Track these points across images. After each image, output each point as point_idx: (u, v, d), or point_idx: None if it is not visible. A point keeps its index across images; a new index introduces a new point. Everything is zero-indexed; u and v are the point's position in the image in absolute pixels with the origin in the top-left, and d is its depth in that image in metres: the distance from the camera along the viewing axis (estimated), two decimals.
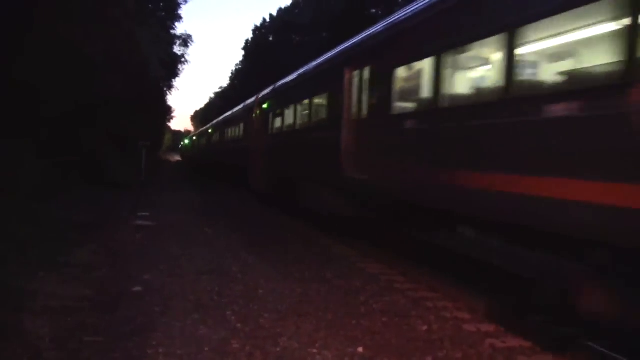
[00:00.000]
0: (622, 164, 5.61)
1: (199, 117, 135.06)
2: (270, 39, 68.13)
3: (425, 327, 7.47)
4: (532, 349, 6.97)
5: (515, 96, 7.40)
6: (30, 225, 11.66)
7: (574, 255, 6.65)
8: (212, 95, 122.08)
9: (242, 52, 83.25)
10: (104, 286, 8.93)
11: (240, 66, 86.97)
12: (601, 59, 6.45)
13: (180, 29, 50.57)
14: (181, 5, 33.43)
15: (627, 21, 5.66)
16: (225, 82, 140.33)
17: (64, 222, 13.46)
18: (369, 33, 13.09)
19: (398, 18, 11.44)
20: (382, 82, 11.30)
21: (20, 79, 13.68)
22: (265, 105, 23.13)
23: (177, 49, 37.21)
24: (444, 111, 9.19)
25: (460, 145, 8.55)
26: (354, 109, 12.85)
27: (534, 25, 7.03)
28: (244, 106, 30.01)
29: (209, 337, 6.76)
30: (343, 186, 13.30)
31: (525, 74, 7.63)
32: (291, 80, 19.97)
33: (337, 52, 15.31)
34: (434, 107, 9.43)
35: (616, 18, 5.89)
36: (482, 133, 8.01)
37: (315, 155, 15.40)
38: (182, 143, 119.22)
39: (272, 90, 22.79)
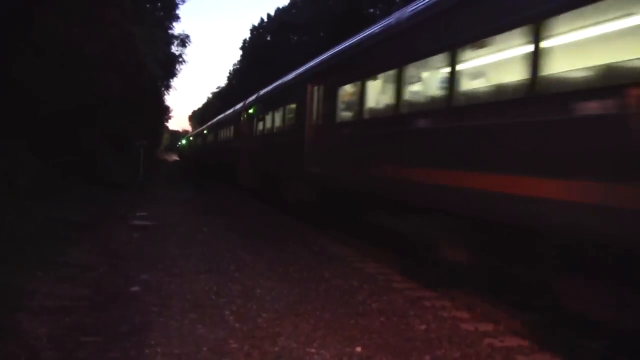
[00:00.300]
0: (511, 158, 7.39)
1: (197, 117, 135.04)
2: (268, 38, 68.11)
3: (423, 327, 7.48)
4: (531, 348, 6.97)
5: (404, 113, 10.56)
6: (28, 225, 11.64)
7: (437, 221, 9.60)
8: (210, 95, 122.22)
9: (240, 52, 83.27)
10: (101, 286, 8.92)
11: (238, 66, 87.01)
12: (490, 80, 8.50)
13: (178, 28, 50.48)
14: (179, 5, 33.43)
15: (530, 48, 7.09)
16: (223, 82, 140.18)
17: (61, 221, 13.44)
18: (323, 58, 16.26)
19: (337, 51, 15.02)
20: (330, 97, 14.43)
21: (18, 78, 13.67)
22: (251, 111, 26.15)
23: (175, 49, 37.27)
24: (366, 121, 12.35)
25: (375, 147, 11.68)
26: (313, 117, 15.70)
27: (415, 63, 10.32)
28: (234, 110, 33.09)
29: (207, 336, 6.76)
30: (306, 179, 16.22)
31: (410, 97, 10.58)
32: (270, 90, 23.25)
33: (303, 69, 18.18)
34: (360, 118, 12.54)
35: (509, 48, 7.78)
36: (386, 138, 11.05)
37: (287, 154, 18.25)
38: (179, 143, 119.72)
39: (256, 97, 25.80)
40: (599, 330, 6.82)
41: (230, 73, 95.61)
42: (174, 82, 46.63)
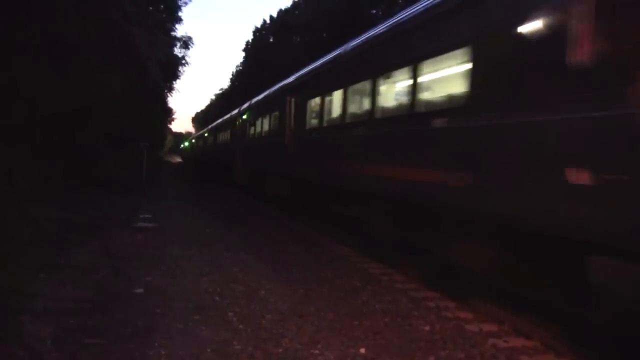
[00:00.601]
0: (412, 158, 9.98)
1: (200, 119, 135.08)
2: (271, 40, 68.12)
3: (427, 327, 7.45)
4: (535, 349, 6.95)
5: (346, 122, 13.57)
6: (30, 226, 11.63)
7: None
8: (213, 97, 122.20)
9: (243, 54, 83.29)
10: (104, 288, 8.90)
11: (240, 67, 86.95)
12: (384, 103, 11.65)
13: (180, 30, 50.58)
14: (181, 7, 33.41)
15: (411, 81, 10.15)
16: (225, 83, 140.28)
17: (64, 223, 13.43)
18: (297, 75, 19.42)
19: (306, 71, 18.20)
20: (302, 107, 17.47)
21: (18, 80, 13.67)
22: (244, 116, 29.43)
23: (178, 51, 37.18)
24: (324, 128, 15.38)
25: (330, 149, 14.68)
26: (291, 123, 18.66)
27: (353, 86, 13.31)
28: (230, 116, 36.81)
29: (211, 338, 6.74)
30: (286, 174, 19.13)
31: (349, 111, 13.61)
32: (259, 99, 26.46)
33: (284, 83, 21.44)
34: (321, 125, 15.66)
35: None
36: (337, 141, 14.10)
37: (273, 155, 21.24)
38: (182, 145, 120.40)
39: (248, 105, 29.09)
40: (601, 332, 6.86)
41: (232, 75, 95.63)
42: (177, 84, 46.77)
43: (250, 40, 78.25)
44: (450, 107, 8.86)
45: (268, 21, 72.42)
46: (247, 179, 27.71)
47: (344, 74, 14.00)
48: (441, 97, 9.35)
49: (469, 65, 8.17)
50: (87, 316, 7.36)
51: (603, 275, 7.83)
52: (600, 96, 5.66)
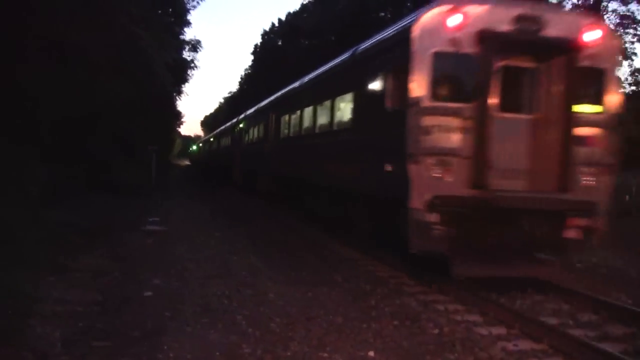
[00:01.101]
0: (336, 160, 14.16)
1: (208, 123, 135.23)
2: (279, 43, 68.11)
3: (436, 331, 7.43)
4: (544, 352, 6.93)
5: (291, 136, 19.46)
6: (40, 230, 11.66)
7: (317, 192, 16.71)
8: (222, 100, 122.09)
9: (251, 57, 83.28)
10: (113, 291, 8.94)
11: (249, 71, 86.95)
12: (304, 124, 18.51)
13: (189, 34, 50.72)
14: (190, 11, 33.47)
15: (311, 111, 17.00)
16: (234, 86, 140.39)
17: (73, 227, 13.47)
18: (277, 95, 24.01)
19: (281, 93, 22.89)
20: (277, 122, 22.41)
21: (27, 85, 13.73)
22: (241, 125, 33.93)
23: (187, 54, 37.24)
24: (284, 139, 20.85)
25: (287, 154, 20.24)
26: (272, 133, 23.33)
27: (296, 111, 18.63)
28: (231, 123, 41.68)
29: (219, 341, 6.75)
30: (269, 173, 24.05)
31: (293, 129, 19.76)
32: (251, 112, 31.15)
33: (269, 100, 25.80)
34: (284, 137, 20.88)
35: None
36: (288, 149, 19.86)
37: (260, 158, 26.13)
38: (190, 149, 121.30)
39: (244, 116, 33.65)
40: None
41: (241, 78, 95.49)
42: (186, 87, 46.81)
43: (259, 43, 78.30)
44: (346, 127, 13.63)
45: (277, 24, 72.42)
46: (243, 179, 32.14)
47: (298, 101, 18.80)
48: (344, 121, 14.06)
49: (338, 109, 14.44)
50: (96, 319, 7.39)
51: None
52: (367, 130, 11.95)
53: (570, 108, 9.73)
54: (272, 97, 24.96)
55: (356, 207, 13.04)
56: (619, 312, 8.51)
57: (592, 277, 11.42)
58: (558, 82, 9.95)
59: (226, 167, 39.85)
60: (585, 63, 9.78)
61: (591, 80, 10.07)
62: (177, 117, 65.84)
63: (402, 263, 11.43)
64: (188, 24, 34.91)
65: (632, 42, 33.12)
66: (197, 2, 32.91)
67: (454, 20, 9.28)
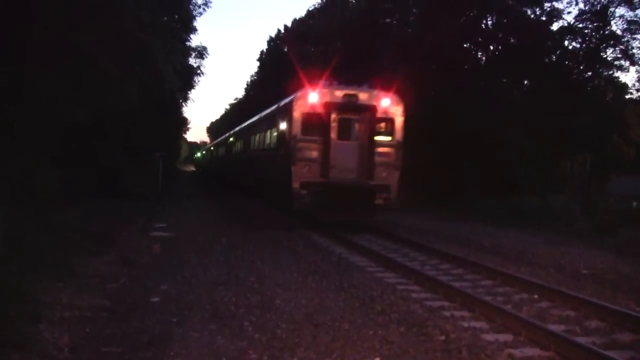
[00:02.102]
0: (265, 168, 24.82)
1: (214, 129, 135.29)
2: (285, 49, 68.14)
3: (442, 337, 7.42)
4: (551, 359, 6.91)
5: (249, 150, 30.65)
6: (49, 235, 11.71)
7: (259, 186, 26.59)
8: (228, 107, 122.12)
9: (257, 63, 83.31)
10: (121, 296, 8.98)
11: (255, 77, 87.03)
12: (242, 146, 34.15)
13: (195, 40, 50.75)
14: (196, 18, 33.50)
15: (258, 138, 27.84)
16: (240, 93, 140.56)
17: (81, 232, 13.53)
18: (241, 126, 38.01)
19: (247, 123, 34.36)
20: (246, 141, 31.78)
21: (37, 91, 13.81)
22: (231, 139, 42.32)
23: (193, 61, 37.20)
24: (246, 151, 31.58)
25: (245, 164, 32.04)
26: (241, 148, 34.53)
27: (251, 136, 30.42)
28: (224, 137, 52.81)
29: (226, 347, 6.78)
30: (245, 177, 31.64)
31: (242, 147, 34.39)
32: (236, 130, 41.23)
33: (243, 125, 37.15)
34: (245, 150, 32.44)
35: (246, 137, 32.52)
36: (247, 158, 31.15)
37: (240, 165, 35.02)
38: (194, 156, 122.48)
39: (233, 132, 43.41)
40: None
41: (247, 84, 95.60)
42: (192, 93, 46.98)
43: (265, 50, 78.37)
44: (265, 147, 24.43)
45: (283, 31, 72.49)
46: (230, 182, 39.90)
47: (248, 131, 31.61)
48: (265, 144, 24.69)
49: (269, 135, 23.72)
50: (104, 324, 7.44)
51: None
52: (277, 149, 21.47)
53: (373, 138, 18.88)
54: (237, 128, 40.78)
55: (274, 188, 21.55)
56: (627, 320, 8.47)
57: (601, 283, 11.40)
58: (367, 125, 19.05)
59: (222, 173, 48.20)
60: (381, 115, 19.00)
61: (385, 124, 19.32)
62: (183, 123, 66.00)
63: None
64: (194, 30, 34.91)
65: None
66: (204, 9, 32.92)
67: (312, 97, 18.47)
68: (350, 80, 21.40)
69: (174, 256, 12.76)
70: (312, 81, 19.93)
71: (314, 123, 18.48)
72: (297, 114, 18.48)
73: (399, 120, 19.06)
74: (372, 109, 18.71)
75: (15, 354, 6.00)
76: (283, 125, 20.23)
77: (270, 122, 23.64)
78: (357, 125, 19.23)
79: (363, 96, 18.80)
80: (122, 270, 10.86)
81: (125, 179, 26.31)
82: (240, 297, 9.09)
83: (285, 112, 20.01)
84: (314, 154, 18.34)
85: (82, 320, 7.52)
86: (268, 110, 25.53)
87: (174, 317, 7.89)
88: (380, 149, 18.72)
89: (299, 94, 18.89)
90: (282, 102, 21.73)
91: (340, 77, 21.51)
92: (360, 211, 18.71)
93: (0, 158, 11.16)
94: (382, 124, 19.23)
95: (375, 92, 19.25)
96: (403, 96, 19.96)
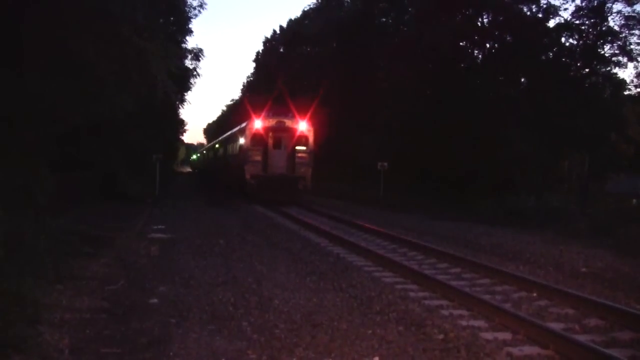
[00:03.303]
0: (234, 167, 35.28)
1: (211, 130, 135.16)
2: (281, 50, 68.17)
3: (441, 336, 7.45)
4: (551, 358, 6.94)
5: (226, 155, 41.89)
6: (47, 239, 11.73)
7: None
8: (224, 108, 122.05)
9: (253, 64, 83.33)
10: (120, 298, 9.00)
11: (251, 78, 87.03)
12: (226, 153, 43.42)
13: (191, 42, 50.77)
14: (191, 20, 33.43)
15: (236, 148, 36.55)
16: (236, 94, 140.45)
17: (80, 235, 13.54)
18: (226, 135, 47.59)
19: (221, 137, 51.16)
20: (226, 147, 42.41)
21: (34, 97, 13.83)
22: (217, 145, 52.32)
23: (189, 63, 37.12)
24: (224, 156, 43.21)
25: (223, 165, 43.14)
26: (219, 155, 47.22)
27: (226, 146, 42.49)
28: (212, 143, 64.18)
29: (225, 347, 6.80)
30: (228, 176, 37.64)
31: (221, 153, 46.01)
32: (221, 138, 49.80)
33: (225, 135, 47.64)
34: (224, 154, 43.10)
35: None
36: (225, 160, 41.55)
37: (223, 168, 41.86)
38: (191, 158, 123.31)
39: (219, 140, 53.23)
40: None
41: (243, 85, 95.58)
42: (189, 95, 47.14)
43: (261, 51, 78.38)
44: (234, 153, 35.45)
45: (278, 31, 72.49)
46: (215, 180, 46.63)
47: (225, 142, 43.51)
48: (233, 151, 36.55)
49: (235, 145, 35.64)
50: (104, 326, 7.46)
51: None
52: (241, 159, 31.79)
53: (295, 147, 29.36)
54: (220, 138, 52.85)
55: (236, 180, 31.78)
56: (627, 318, 8.50)
57: (600, 281, 11.44)
58: (290, 140, 29.59)
59: (212, 174, 54.48)
60: (299, 134, 29.38)
61: (302, 139, 29.51)
62: (180, 125, 65.95)
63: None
64: (190, 32, 34.85)
65: (639, 44, 33.02)
66: (199, 11, 32.85)
67: (257, 123, 29.19)
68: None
69: (172, 258, 12.77)
70: (258, 111, 31.03)
71: (258, 138, 29.49)
72: (248, 132, 29.59)
73: (311, 136, 30.01)
74: (293, 130, 29.79)
75: (16, 355, 6.03)
76: (241, 140, 31.34)
77: (235, 137, 35.82)
78: (284, 140, 30.15)
79: (288, 122, 29.96)
80: (121, 273, 10.88)
81: (123, 181, 26.38)
82: (239, 298, 9.12)
83: (242, 132, 31.40)
84: (258, 157, 29.33)
85: (81, 322, 7.54)
86: (234, 129, 38.62)
87: (172, 318, 7.91)
88: (299, 155, 29.61)
89: (250, 121, 30.01)
90: (241, 125, 33.47)
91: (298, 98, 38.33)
92: (287, 193, 29.03)
93: None
94: (300, 139, 29.70)
95: (296, 119, 29.99)
96: (319, 115, 33.45)
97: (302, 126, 29.59)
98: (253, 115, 30.11)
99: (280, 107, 33.33)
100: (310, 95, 40.86)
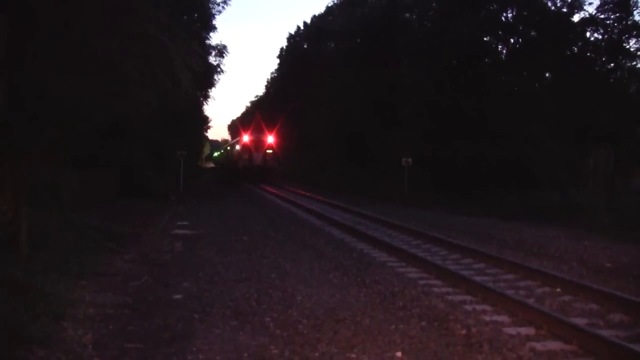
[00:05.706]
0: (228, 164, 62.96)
1: (235, 126, 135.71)
2: (305, 46, 68.13)
3: (464, 331, 7.40)
4: (574, 353, 6.85)
5: (232, 155, 62.47)
6: (72, 235, 11.87)
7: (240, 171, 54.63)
8: (249, 104, 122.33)
9: (277, 60, 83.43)
10: (143, 294, 9.08)
11: (275, 74, 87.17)
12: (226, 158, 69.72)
13: (215, 39, 51.07)
14: (215, 16, 33.53)
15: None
16: (260, 90, 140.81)
17: (104, 231, 13.69)
18: (229, 143, 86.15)
19: (230, 142, 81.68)
20: (232, 151, 63.22)
21: (60, 95, 13.97)
22: (229, 148, 70.22)
23: (213, 59, 37.20)
24: (229, 156, 65.87)
25: (229, 160, 65.18)
26: (230, 154, 65.29)
27: (230, 149, 67.39)
28: (226, 145, 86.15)
29: (248, 343, 6.82)
30: (237, 170, 52.90)
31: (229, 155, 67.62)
32: (231, 142, 75.24)
33: (233, 141, 74.59)
34: (229, 155, 66.65)
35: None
36: (232, 159, 59.92)
37: (232, 165, 57.32)
38: (213, 155, 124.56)
39: (229, 143, 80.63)
40: None
41: (267, 81, 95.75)
42: (213, 92, 47.30)
43: (285, 47, 78.43)
44: (233, 154, 57.77)
45: (302, 27, 72.47)
46: (229, 176, 56.30)
47: (230, 146, 68.09)
48: (233, 152, 58.98)
49: (234, 149, 59.37)
50: (127, 322, 7.52)
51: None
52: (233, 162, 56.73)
53: (266, 151, 49.67)
54: (231, 141, 78.52)
55: (233, 171, 53.55)
56: None
57: (625, 277, 11.28)
58: (263, 146, 49.75)
59: (227, 169, 66.69)
60: (268, 143, 49.79)
61: (269, 146, 49.93)
62: (204, 122, 66.46)
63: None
64: (214, 28, 34.94)
65: None
66: (223, 7, 32.93)
67: (245, 137, 50.19)
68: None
69: (195, 254, 12.86)
70: (247, 128, 52.45)
71: (246, 146, 49.25)
72: (240, 142, 50.99)
73: (274, 144, 49.71)
74: (265, 140, 49.04)
75: (40, 350, 6.09)
76: (237, 147, 53.11)
77: (234, 144, 58.60)
78: (260, 146, 48.91)
79: (262, 136, 49.42)
80: (145, 269, 10.97)
81: (147, 178, 26.55)
82: (262, 294, 9.14)
83: (238, 142, 53.78)
84: (246, 156, 49.18)
85: (105, 317, 7.62)
86: (235, 140, 61.56)
87: (196, 314, 7.96)
88: (268, 155, 49.25)
89: (241, 136, 51.83)
90: (237, 138, 55.98)
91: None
92: (263, 176, 47.31)
93: (23, 160, 11.30)
94: (269, 146, 49.20)
95: (266, 134, 49.23)
96: (283, 129, 52.45)
97: (270, 139, 49.60)
98: (243, 133, 51.89)
99: (257, 128, 51.05)
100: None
